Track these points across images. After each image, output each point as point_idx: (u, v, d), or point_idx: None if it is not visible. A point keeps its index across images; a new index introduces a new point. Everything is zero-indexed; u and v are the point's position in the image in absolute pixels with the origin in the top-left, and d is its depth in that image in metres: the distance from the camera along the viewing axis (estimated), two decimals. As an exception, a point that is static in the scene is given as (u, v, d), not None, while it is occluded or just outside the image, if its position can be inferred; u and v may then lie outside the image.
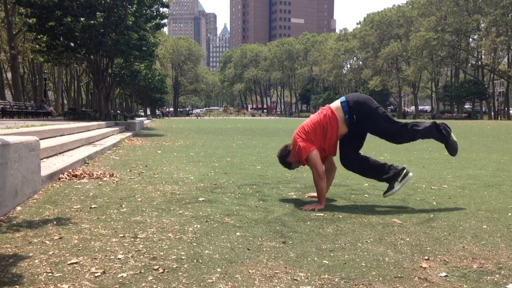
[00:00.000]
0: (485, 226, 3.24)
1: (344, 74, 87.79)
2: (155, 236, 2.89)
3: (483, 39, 60.68)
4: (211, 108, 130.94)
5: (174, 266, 2.34)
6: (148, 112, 74.31)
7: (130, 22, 19.68)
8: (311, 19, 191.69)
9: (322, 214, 3.55)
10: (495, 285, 2.15)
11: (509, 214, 3.64)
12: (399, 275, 2.27)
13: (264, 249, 2.65)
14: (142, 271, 2.26)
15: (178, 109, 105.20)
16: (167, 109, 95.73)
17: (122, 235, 2.90)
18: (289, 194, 4.42)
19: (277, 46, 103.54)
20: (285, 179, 5.40)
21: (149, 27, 21.79)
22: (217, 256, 2.51)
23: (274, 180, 5.26)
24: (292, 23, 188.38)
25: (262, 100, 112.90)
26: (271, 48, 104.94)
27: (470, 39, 67.12)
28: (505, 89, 67.32)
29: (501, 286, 2.15)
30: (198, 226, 3.15)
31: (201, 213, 3.53)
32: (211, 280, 2.16)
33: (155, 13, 21.88)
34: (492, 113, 66.29)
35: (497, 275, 2.29)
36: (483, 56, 66.64)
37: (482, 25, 62.47)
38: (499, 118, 64.36)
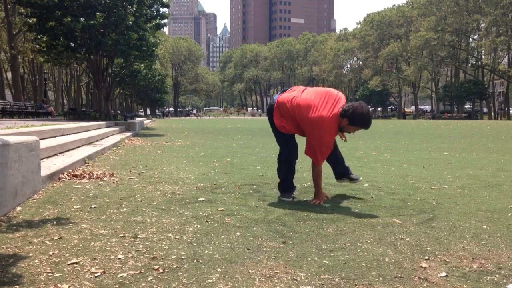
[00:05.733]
0: (485, 226, 3.24)
1: (344, 74, 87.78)
2: (155, 236, 2.89)
3: (483, 39, 60.67)
4: (210, 108, 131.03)
5: (174, 266, 2.34)
6: (148, 112, 74.29)
7: (130, 22, 19.68)
8: (311, 19, 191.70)
9: (322, 214, 3.56)
10: (495, 285, 2.15)
11: (509, 214, 3.64)
12: (399, 275, 2.27)
13: (264, 249, 2.65)
14: (142, 271, 2.26)
15: (178, 109, 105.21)
16: (167, 109, 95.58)
17: (122, 235, 2.90)
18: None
19: (277, 46, 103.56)
20: (285, 179, 5.39)
21: (149, 27, 21.78)
22: (217, 256, 2.52)
23: (274, 180, 5.26)
24: (292, 23, 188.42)
25: (262, 100, 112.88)
26: (271, 48, 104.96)
27: (470, 39, 67.11)
28: (505, 89, 67.28)
29: (501, 286, 2.15)
30: (198, 226, 3.15)
31: (201, 213, 3.53)
32: (211, 280, 2.16)
33: (155, 13, 21.88)
34: (492, 113, 66.29)
35: (497, 275, 2.29)
36: (483, 56, 66.62)
37: (482, 25, 62.45)
38: (499, 118, 64.38)
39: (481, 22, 62.56)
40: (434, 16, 64.78)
